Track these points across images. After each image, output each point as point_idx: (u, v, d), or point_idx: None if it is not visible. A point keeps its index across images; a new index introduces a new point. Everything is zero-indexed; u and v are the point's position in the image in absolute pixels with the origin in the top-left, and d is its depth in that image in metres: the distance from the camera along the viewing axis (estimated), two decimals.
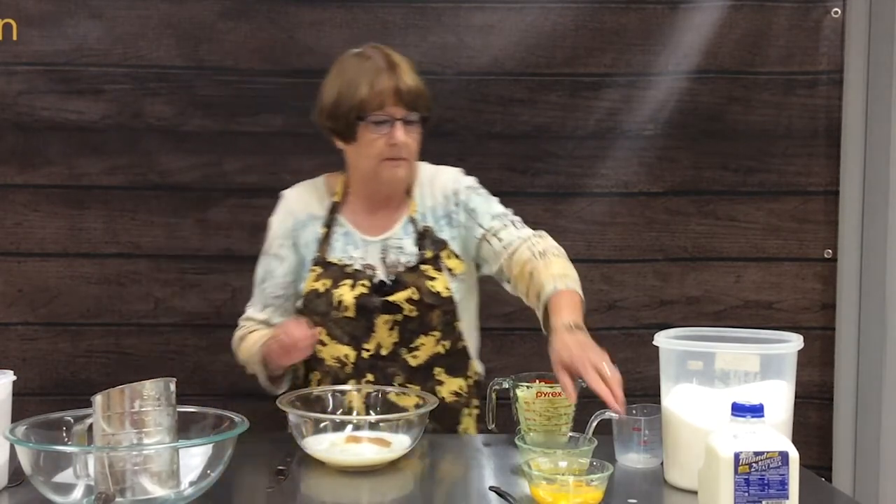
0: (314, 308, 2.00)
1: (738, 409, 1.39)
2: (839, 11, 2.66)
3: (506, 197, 2.12)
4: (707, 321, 2.62)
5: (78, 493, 1.43)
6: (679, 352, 1.65)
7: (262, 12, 2.60)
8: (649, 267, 2.71)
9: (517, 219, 2.03)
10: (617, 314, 2.68)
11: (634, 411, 1.75)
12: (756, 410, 1.38)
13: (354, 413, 1.88)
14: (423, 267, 1.99)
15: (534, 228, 2.09)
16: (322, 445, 1.73)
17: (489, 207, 2.03)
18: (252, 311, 2.11)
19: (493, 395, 1.90)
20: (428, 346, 1.99)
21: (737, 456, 1.35)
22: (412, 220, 2.03)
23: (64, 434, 1.53)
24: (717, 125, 2.68)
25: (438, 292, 1.97)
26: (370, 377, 1.98)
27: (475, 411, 2.07)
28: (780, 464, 1.36)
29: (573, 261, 1.97)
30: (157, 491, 1.43)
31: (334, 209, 2.06)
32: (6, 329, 2.63)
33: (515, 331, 2.10)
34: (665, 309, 2.70)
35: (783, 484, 1.36)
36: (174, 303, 2.65)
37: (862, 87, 2.69)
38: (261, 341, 1.99)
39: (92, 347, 2.65)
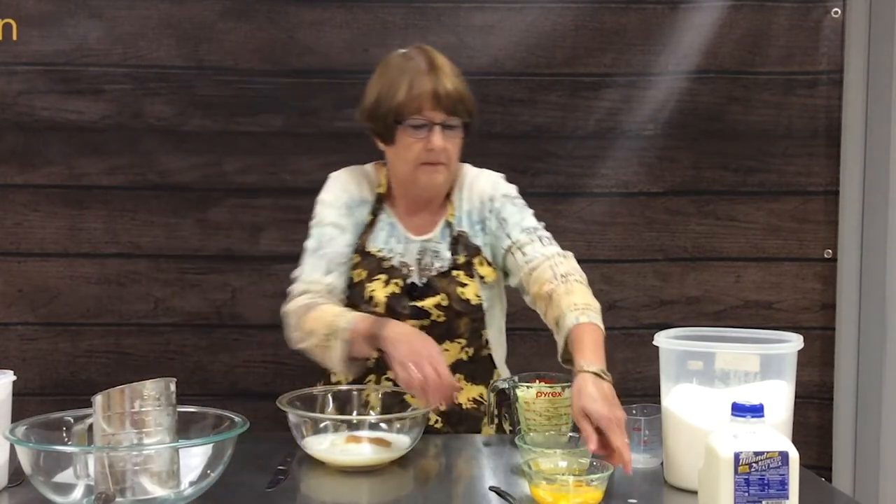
0: (345, 298, 1.97)
1: (738, 409, 1.39)
2: (839, 11, 2.66)
3: None
4: (707, 321, 2.62)
5: (78, 493, 1.43)
6: (679, 352, 1.65)
7: (262, 12, 2.60)
8: (649, 267, 2.71)
9: (547, 234, 1.97)
10: (617, 314, 2.68)
11: (634, 411, 1.75)
12: (756, 410, 1.38)
13: (354, 413, 1.87)
14: (454, 272, 1.95)
15: None
16: (322, 445, 1.73)
17: (521, 219, 1.98)
18: (312, 274, 1.95)
19: (493, 396, 1.90)
20: (452, 353, 1.97)
21: (737, 456, 1.35)
22: (448, 224, 2.00)
23: (64, 434, 1.53)
24: (717, 125, 2.68)
25: (468, 299, 1.94)
26: (390, 374, 1.95)
27: (506, 418, 2.04)
28: (780, 464, 1.36)
29: None
30: (157, 491, 1.43)
31: (381, 199, 2.02)
32: (6, 329, 2.63)
33: (516, 331, 2.09)
34: (665, 309, 2.70)
35: (783, 484, 1.36)
36: (174, 303, 2.65)
37: (862, 87, 2.69)
38: (346, 317, 1.84)
39: (92, 347, 2.65)
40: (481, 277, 1.97)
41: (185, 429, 1.56)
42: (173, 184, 2.63)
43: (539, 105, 2.65)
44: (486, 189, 2.02)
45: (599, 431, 1.57)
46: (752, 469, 1.35)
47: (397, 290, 1.93)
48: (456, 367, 1.96)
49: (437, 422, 1.95)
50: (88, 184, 2.62)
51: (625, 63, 2.65)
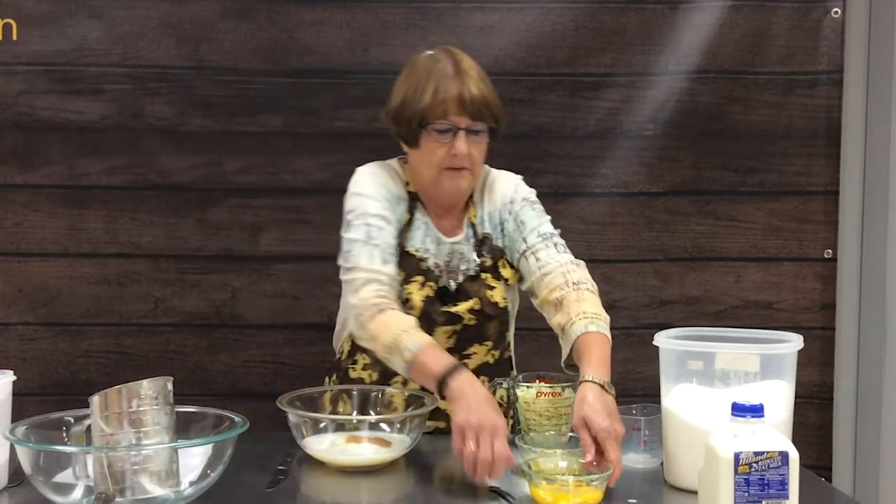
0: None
1: (738, 409, 1.39)
2: (839, 11, 2.66)
3: None
4: (707, 321, 2.62)
5: (78, 493, 1.43)
6: (679, 352, 1.65)
7: (262, 12, 2.60)
8: (649, 267, 2.71)
9: (561, 242, 1.97)
10: (617, 314, 2.66)
11: (634, 411, 1.75)
12: (756, 410, 1.38)
13: (354, 413, 1.87)
14: (483, 275, 1.95)
15: None
16: (322, 445, 1.73)
17: (538, 224, 1.97)
18: (371, 264, 1.85)
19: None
20: (479, 356, 1.97)
21: (737, 456, 1.35)
22: (472, 226, 1.99)
23: (64, 434, 1.53)
24: (717, 125, 2.68)
25: (496, 303, 1.93)
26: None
27: (510, 420, 2.04)
28: (780, 464, 1.36)
29: None
30: (156, 490, 1.43)
31: (414, 197, 1.98)
32: (6, 329, 2.63)
33: (516, 331, 2.09)
34: (665, 309, 2.70)
35: (783, 484, 1.36)
36: (174, 303, 2.65)
37: (862, 87, 2.69)
38: (414, 338, 1.75)
39: (92, 347, 2.65)
40: (505, 280, 1.97)
41: (184, 429, 1.56)
42: (173, 184, 2.63)
43: (539, 105, 2.65)
44: (507, 191, 2.01)
45: (596, 442, 1.58)
46: (752, 469, 1.35)
47: (431, 294, 1.91)
48: (480, 371, 1.95)
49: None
50: (88, 184, 2.62)
51: (625, 63, 2.65)
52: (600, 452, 1.57)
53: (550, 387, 1.78)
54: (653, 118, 2.66)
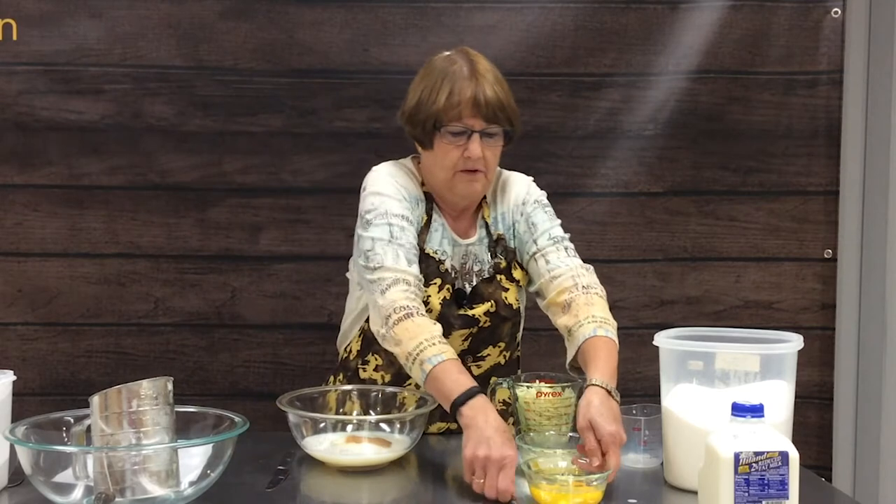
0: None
1: (738, 409, 1.39)
2: (839, 11, 2.66)
3: None
4: (707, 321, 2.62)
5: (78, 493, 1.43)
6: (679, 352, 1.65)
7: (262, 12, 2.60)
8: (649, 267, 2.71)
9: (571, 246, 1.98)
10: (617, 314, 2.64)
11: (634, 411, 1.75)
12: (756, 410, 1.38)
13: (355, 413, 1.87)
14: (498, 277, 1.95)
15: None
16: (322, 445, 1.73)
17: (550, 227, 1.97)
18: (397, 263, 1.82)
19: (492, 396, 1.90)
20: (493, 357, 1.97)
21: (737, 456, 1.35)
22: (486, 227, 1.99)
23: (64, 434, 1.53)
24: (717, 125, 2.68)
25: (511, 304, 1.93)
26: None
27: (511, 420, 2.03)
28: (780, 464, 1.36)
29: None
30: (156, 490, 1.43)
31: (430, 198, 1.97)
32: (6, 329, 2.63)
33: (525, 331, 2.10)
34: (665, 309, 2.70)
35: (783, 484, 1.36)
36: (174, 303, 2.65)
37: (862, 87, 2.69)
38: (435, 350, 1.71)
39: (92, 347, 2.65)
40: (517, 281, 1.97)
41: (185, 429, 1.56)
42: (173, 184, 2.63)
43: (539, 105, 2.65)
44: (520, 192, 2.01)
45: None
46: (752, 469, 1.35)
47: (448, 296, 1.91)
48: (493, 372, 1.96)
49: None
50: (88, 184, 2.62)
51: (625, 63, 2.65)
52: (601, 456, 1.57)
53: (551, 387, 1.78)
54: (653, 118, 2.66)
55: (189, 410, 1.60)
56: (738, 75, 2.66)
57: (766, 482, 1.35)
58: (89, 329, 2.65)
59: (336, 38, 2.62)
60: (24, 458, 1.44)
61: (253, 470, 1.67)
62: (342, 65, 2.63)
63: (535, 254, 1.95)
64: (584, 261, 1.97)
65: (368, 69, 2.62)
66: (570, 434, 1.75)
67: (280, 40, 2.61)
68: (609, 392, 1.66)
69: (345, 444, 1.75)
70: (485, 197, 2.00)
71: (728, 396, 1.46)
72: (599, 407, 1.61)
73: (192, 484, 1.47)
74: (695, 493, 1.48)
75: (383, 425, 1.80)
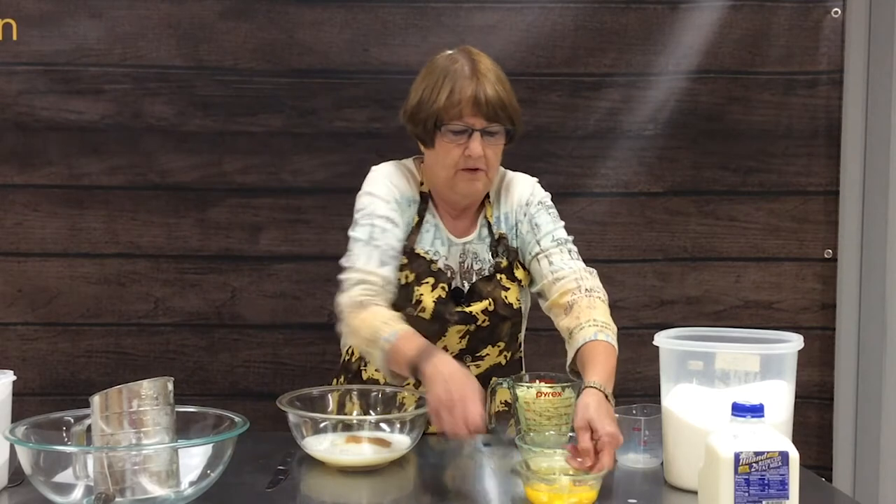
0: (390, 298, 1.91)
1: (738, 409, 1.39)
2: (839, 11, 2.66)
3: None
4: (707, 321, 2.62)
5: (78, 493, 1.43)
6: (679, 352, 1.65)
7: (262, 12, 2.60)
8: (649, 267, 2.71)
9: (575, 249, 1.98)
10: (617, 314, 2.64)
11: (634, 411, 1.75)
12: (756, 410, 1.38)
13: (355, 413, 1.87)
14: (498, 276, 1.95)
15: None
16: (322, 445, 1.73)
17: (554, 229, 1.97)
18: (368, 265, 1.86)
19: (492, 396, 1.90)
20: (492, 357, 1.97)
21: (737, 456, 1.35)
22: (488, 226, 1.99)
23: (64, 434, 1.53)
24: (717, 125, 2.68)
25: (511, 304, 1.93)
26: None
27: (511, 421, 2.03)
28: (780, 464, 1.36)
29: None
30: (156, 490, 1.43)
31: (425, 198, 1.98)
32: (6, 329, 2.63)
33: (528, 331, 2.10)
34: (665, 309, 2.70)
35: (783, 484, 1.35)
36: (174, 303, 2.65)
37: (862, 87, 2.69)
38: (391, 328, 1.75)
39: (92, 347, 2.65)
40: (519, 281, 1.97)
41: (185, 429, 1.56)
42: (173, 184, 2.63)
43: (539, 105, 2.65)
44: (523, 193, 2.01)
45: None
46: (753, 469, 1.35)
47: (443, 295, 1.92)
48: (492, 372, 1.96)
49: None
50: (88, 184, 2.62)
51: (625, 63, 2.65)
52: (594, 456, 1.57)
53: (551, 387, 1.78)
54: (653, 118, 2.66)
55: (189, 410, 1.60)
56: (738, 75, 2.66)
57: (766, 482, 1.35)
58: (89, 329, 2.65)
59: (336, 38, 2.62)
60: (24, 458, 1.44)
61: (253, 470, 1.67)
62: (342, 65, 2.63)
63: (537, 255, 1.95)
64: (585, 261, 1.97)
65: (368, 69, 2.62)
66: (571, 434, 1.75)
67: (280, 40, 2.61)
68: (606, 396, 1.66)
69: (345, 444, 1.74)
70: (488, 196, 2.00)
71: (728, 396, 1.46)
72: (597, 409, 1.61)
73: (192, 484, 1.47)
74: (695, 493, 1.48)
75: (383, 425, 1.79)
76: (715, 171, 2.70)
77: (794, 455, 1.37)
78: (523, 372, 2.00)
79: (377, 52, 2.62)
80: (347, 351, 2.06)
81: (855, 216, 2.70)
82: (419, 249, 1.94)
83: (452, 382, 1.61)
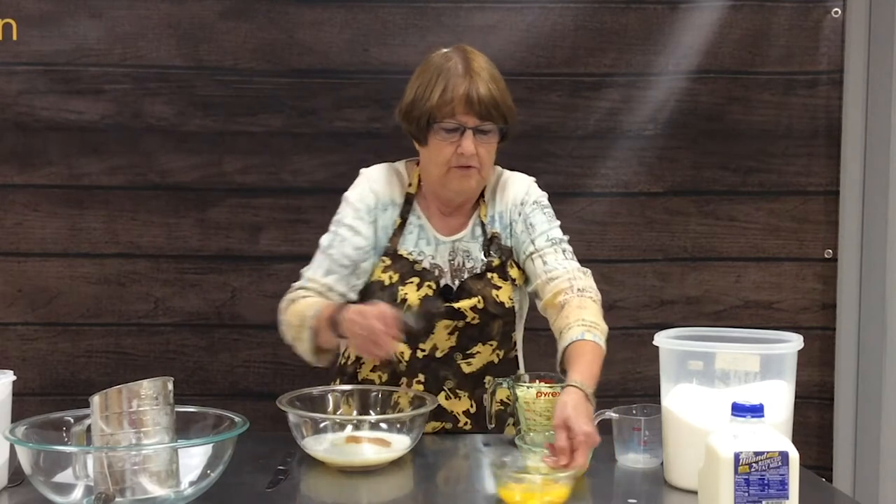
0: (375, 300, 1.92)
1: (738, 409, 1.39)
2: (839, 11, 2.66)
3: None
4: (707, 321, 2.62)
5: (78, 493, 1.43)
6: (679, 352, 1.65)
7: (262, 12, 2.60)
8: (649, 267, 2.71)
9: (570, 248, 1.98)
10: (617, 314, 2.68)
11: (634, 411, 1.75)
12: (756, 410, 1.38)
13: (354, 413, 1.87)
14: (489, 275, 1.95)
15: None
16: (322, 445, 1.73)
17: (548, 228, 1.97)
18: (314, 273, 1.96)
19: (491, 397, 1.90)
20: (484, 355, 1.97)
21: (737, 456, 1.35)
22: (481, 225, 1.99)
23: (64, 434, 1.53)
24: (717, 125, 2.68)
25: (502, 302, 1.93)
26: (421, 377, 1.94)
27: (511, 420, 2.04)
28: (780, 464, 1.36)
29: None
30: (156, 490, 1.43)
31: (410, 200, 2.00)
32: (6, 329, 2.63)
33: (529, 331, 2.10)
34: (665, 309, 2.70)
35: (783, 484, 1.35)
36: (174, 303, 2.65)
37: (862, 87, 2.69)
38: (315, 307, 1.85)
39: (92, 347, 2.65)
40: (513, 279, 1.97)
41: (185, 429, 1.56)
42: (173, 184, 2.63)
43: (539, 105, 2.65)
44: (519, 192, 2.01)
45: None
46: (752, 469, 1.35)
47: (430, 293, 1.92)
48: (486, 370, 1.97)
49: (466, 423, 1.96)
50: (88, 184, 2.62)
51: (625, 63, 2.65)
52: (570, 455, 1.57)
53: (550, 387, 1.78)
54: (653, 118, 2.66)
55: (189, 410, 1.60)
56: (738, 75, 2.66)
57: (766, 482, 1.35)
58: (89, 329, 2.65)
59: (336, 38, 2.62)
60: (24, 458, 1.44)
61: (253, 470, 1.67)
62: (342, 65, 2.63)
63: (532, 254, 1.95)
64: (584, 261, 1.97)
65: (368, 69, 2.62)
66: None
67: (280, 40, 2.61)
68: (587, 395, 1.66)
69: (345, 444, 1.74)
70: (483, 195, 2.00)
71: (728, 396, 1.46)
72: (576, 407, 1.61)
73: (192, 484, 1.47)
74: (695, 493, 1.48)
75: (383, 425, 1.79)
76: (715, 171, 2.70)
77: (794, 455, 1.37)
78: (523, 372, 2.00)
79: (377, 52, 2.62)
80: (343, 354, 2.07)
81: (855, 216, 2.70)
82: (402, 251, 1.96)
83: (364, 311, 1.72)
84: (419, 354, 1.95)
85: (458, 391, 1.96)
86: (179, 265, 2.65)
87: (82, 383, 2.62)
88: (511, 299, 1.95)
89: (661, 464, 1.68)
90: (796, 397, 1.64)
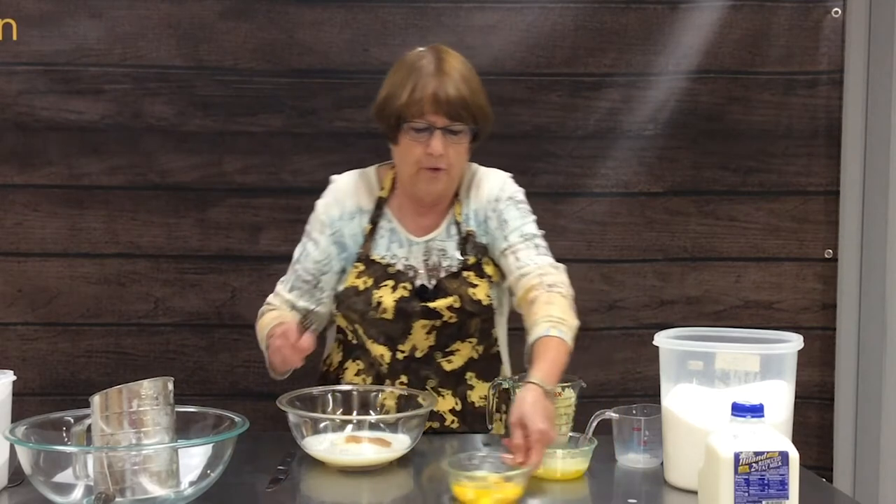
0: (351, 306, 1.95)
1: (738, 409, 1.39)
2: (839, 11, 2.66)
3: None
4: (707, 321, 2.62)
5: (78, 493, 1.44)
6: (679, 352, 1.65)
7: (262, 12, 2.60)
8: (649, 267, 2.70)
9: (543, 244, 1.97)
10: (617, 314, 2.68)
11: (634, 411, 1.75)
12: (756, 410, 1.38)
13: (355, 413, 1.87)
14: (465, 273, 1.95)
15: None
16: (322, 445, 1.73)
17: (522, 224, 1.97)
18: (282, 288, 2.05)
19: (493, 395, 1.90)
20: (464, 352, 1.98)
21: (737, 456, 1.35)
22: (456, 223, 1.99)
23: (64, 434, 1.53)
24: (717, 125, 2.68)
25: (479, 300, 1.94)
26: (404, 378, 1.95)
27: (506, 416, 2.04)
28: (780, 464, 1.36)
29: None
30: (156, 491, 1.43)
31: (381, 204, 2.01)
32: (6, 329, 2.63)
33: (515, 331, 2.09)
34: (665, 309, 2.70)
35: (783, 484, 1.36)
36: (174, 303, 2.65)
37: (862, 87, 2.69)
38: (272, 324, 1.92)
39: (92, 347, 2.65)
40: (489, 277, 1.97)
41: (185, 429, 1.56)
42: (173, 184, 2.63)
43: (539, 105, 2.65)
44: (493, 189, 2.01)
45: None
46: (752, 469, 1.35)
47: (406, 294, 1.93)
48: (467, 366, 1.98)
49: (453, 421, 1.97)
50: (88, 184, 2.62)
51: (625, 63, 2.65)
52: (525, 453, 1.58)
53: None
54: (653, 118, 2.66)
55: (189, 410, 1.60)
56: (738, 75, 2.66)
57: (766, 482, 1.35)
58: (89, 329, 2.65)
59: (336, 38, 2.62)
60: (24, 458, 1.44)
61: (253, 470, 1.67)
62: (342, 65, 2.63)
63: (505, 250, 1.95)
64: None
65: (368, 69, 2.62)
66: (570, 434, 1.75)
67: (280, 40, 2.61)
68: (547, 392, 1.66)
69: (345, 444, 1.75)
70: (458, 193, 2.00)
71: (728, 396, 1.46)
72: (533, 405, 1.62)
73: (192, 484, 1.47)
74: (695, 493, 1.48)
75: (383, 425, 1.79)
76: (715, 171, 2.69)
77: (794, 455, 1.37)
78: (504, 366, 2.01)
79: (377, 52, 2.62)
80: (325, 361, 2.08)
81: (855, 216, 2.70)
82: (375, 256, 1.97)
83: (275, 336, 1.82)
84: (399, 356, 1.96)
85: (440, 389, 1.96)
86: (179, 265, 2.65)
87: (82, 383, 2.62)
88: (489, 297, 1.95)
89: (661, 464, 1.69)
90: (796, 397, 1.65)
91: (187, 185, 2.63)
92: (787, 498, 1.36)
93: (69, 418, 1.54)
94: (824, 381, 2.71)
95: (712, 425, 1.47)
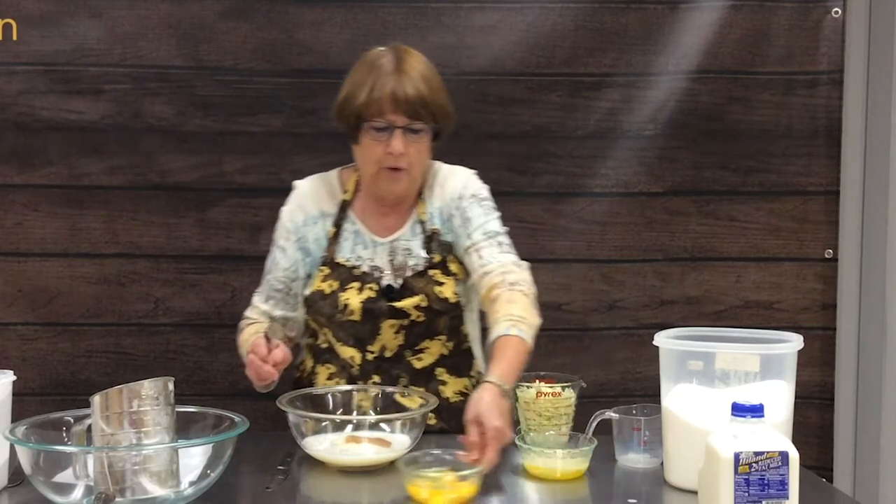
0: (318, 310, 1.97)
1: (738, 409, 1.39)
2: (839, 11, 2.66)
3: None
4: (707, 321, 2.62)
5: (78, 493, 1.44)
6: (679, 352, 1.65)
7: (262, 12, 2.60)
8: (649, 267, 2.70)
9: (507, 241, 1.97)
10: (617, 314, 2.68)
11: (634, 411, 1.76)
12: (756, 410, 1.38)
13: (355, 413, 1.87)
14: (431, 272, 1.96)
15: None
16: (322, 445, 1.74)
17: (485, 222, 1.97)
18: (257, 299, 2.08)
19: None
20: (433, 350, 1.98)
21: (737, 456, 1.35)
22: (421, 222, 2.00)
23: (64, 434, 1.53)
24: (717, 125, 2.68)
25: (447, 298, 1.94)
26: (376, 378, 1.96)
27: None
28: (780, 464, 1.36)
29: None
30: (156, 491, 1.43)
31: (345, 207, 2.02)
32: (6, 329, 2.63)
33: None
34: (665, 309, 2.70)
35: (783, 484, 1.36)
36: (174, 303, 2.65)
37: (862, 87, 2.69)
38: (251, 340, 1.94)
39: (92, 347, 2.65)
40: (455, 274, 1.97)
41: (185, 429, 1.57)
42: (173, 184, 2.63)
43: (539, 105, 2.65)
44: (457, 186, 2.01)
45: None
46: (752, 469, 1.35)
47: (373, 295, 1.94)
48: (438, 363, 1.99)
49: (430, 418, 1.96)
50: (88, 184, 2.62)
51: (625, 63, 2.65)
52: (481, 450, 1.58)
53: (550, 387, 1.78)
54: (653, 118, 2.66)
55: (189, 410, 1.60)
56: (738, 75, 2.66)
57: (766, 482, 1.35)
58: (89, 329, 2.65)
59: (336, 38, 2.62)
60: (24, 458, 1.44)
61: (253, 470, 1.67)
62: (342, 65, 2.59)
63: (468, 248, 1.96)
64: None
65: None
66: (570, 434, 1.75)
67: (280, 40, 2.61)
68: (503, 391, 1.66)
69: (345, 444, 1.75)
70: (421, 192, 2.00)
71: (728, 396, 1.46)
72: (489, 403, 1.62)
73: (192, 484, 1.47)
74: (695, 493, 1.48)
75: (383, 425, 1.80)
76: (715, 171, 2.69)
77: (794, 455, 1.37)
78: (477, 362, 2.01)
79: None
80: (299, 367, 2.09)
81: (855, 216, 2.70)
82: (339, 259, 1.98)
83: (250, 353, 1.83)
84: (369, 357, 1.96)
85: (412, 388, 1.96)
86: (179, 265, 2.65)
87: (82, 383, 2.62)
88: (456, 294, 1.95)
89: (661, 464, 1.69)
90: (796, 397, 1.65)
91: (187, 185, 2.63)
92: (787, 498, 1.36)
93: (69, 418, 1.54)
94: (824, 381, 2.71)
95: (712, 425, 1.47)
